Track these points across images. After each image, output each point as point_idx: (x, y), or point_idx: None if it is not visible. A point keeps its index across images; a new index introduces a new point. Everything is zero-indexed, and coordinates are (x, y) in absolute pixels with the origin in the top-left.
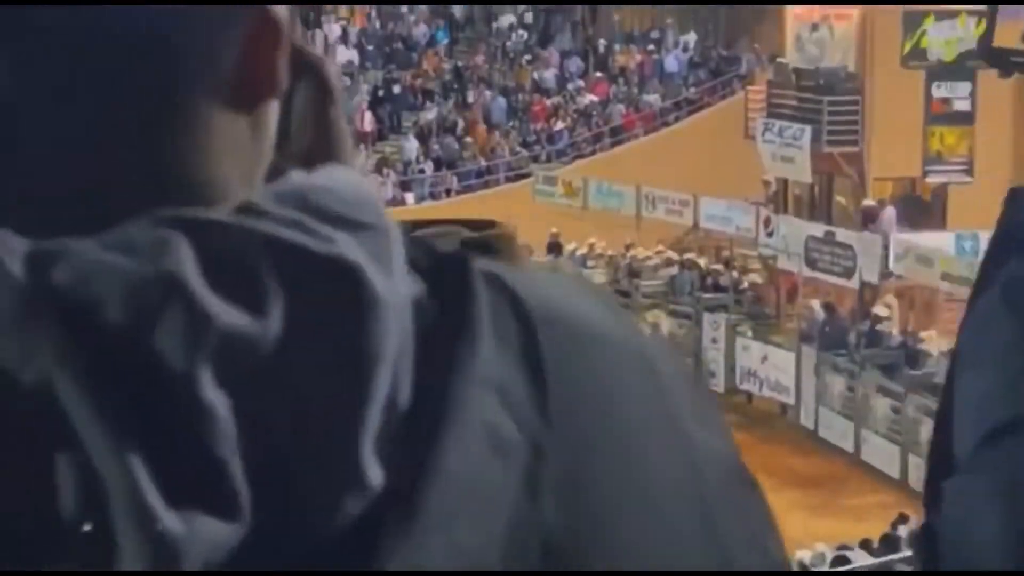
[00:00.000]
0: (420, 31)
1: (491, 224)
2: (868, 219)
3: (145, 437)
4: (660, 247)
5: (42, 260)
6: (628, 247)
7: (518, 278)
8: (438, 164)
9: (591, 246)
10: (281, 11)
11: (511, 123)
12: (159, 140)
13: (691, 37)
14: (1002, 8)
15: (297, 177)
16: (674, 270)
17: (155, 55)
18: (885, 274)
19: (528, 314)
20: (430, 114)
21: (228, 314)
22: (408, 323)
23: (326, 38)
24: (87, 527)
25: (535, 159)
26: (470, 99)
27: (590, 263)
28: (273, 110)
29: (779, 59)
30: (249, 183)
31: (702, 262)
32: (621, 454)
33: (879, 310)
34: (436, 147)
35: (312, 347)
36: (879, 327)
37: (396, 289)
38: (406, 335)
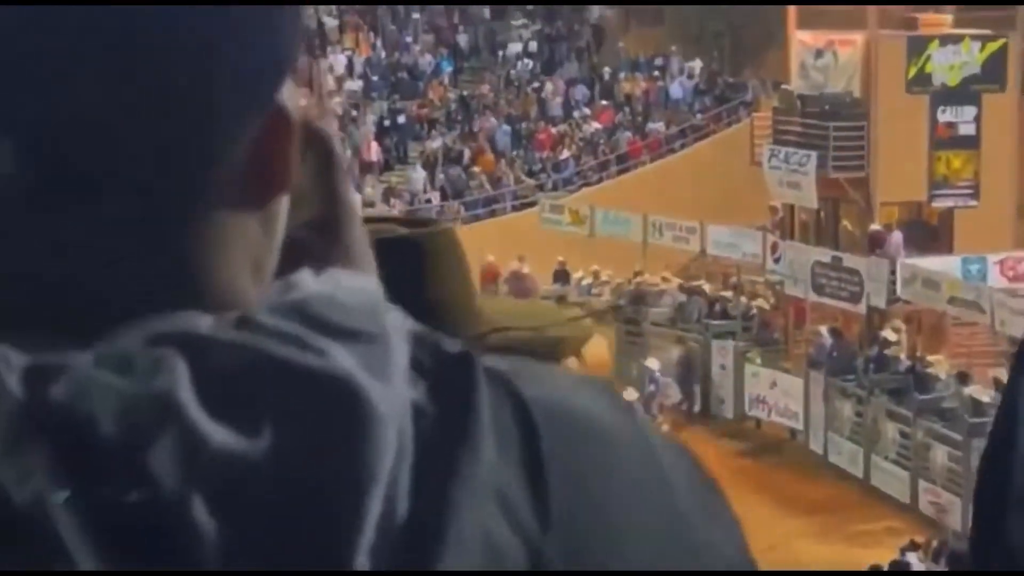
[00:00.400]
0: (425, 60)
1: (429, 222)
2: (875, 244)
3: (138, 559)
4: (666, 274)
5: (39, 376)
6: (637, 274)
7: (524, 376)
8: (444, 193)
9: (595, 274)
10: (289, 97)
11: (517, 152)
12: (172, 241)
13: (696, 64)
14: None
15: (301, 282)
16: (682, 297)
17: (168, 162)
18: (892, 299)
19: (531, 416)
20: (436, 143)
21: (221, 434)
22: (408, 428)
23: (332, 68)
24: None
25: (541, 188)
26: (476, 128)
27: (595, 291)
28: (284, 203)
29: (784, 86)
30: (260, 277)
31: (708, 288)
32: (621, 558)
33: (887, 334)
34: (442, 176)
35: (304, 467)
36: (887, 352)
37: (394, 396)
38: (405, 441)
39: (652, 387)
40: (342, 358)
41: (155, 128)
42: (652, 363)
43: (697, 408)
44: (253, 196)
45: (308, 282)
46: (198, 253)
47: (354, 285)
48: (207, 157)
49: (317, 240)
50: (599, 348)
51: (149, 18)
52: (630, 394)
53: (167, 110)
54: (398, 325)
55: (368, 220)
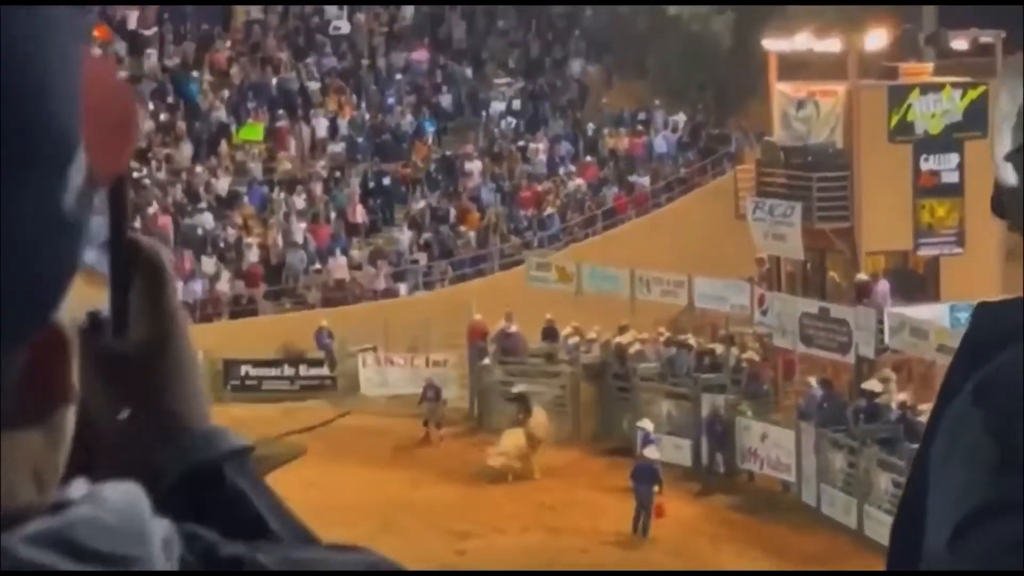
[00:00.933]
0: (408, 121)
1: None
2: (862, 294)
3: None
4: (661, 329)
5: None
6: (622, 329)
7: (301, 571)
8: (430, 253)
9: (576, 330)
10: (63, 322)
11: (502, 210)
12: None
13: (680, 118)
14: None
15: (69, 505)
16: (671, 351)
17: None
18: (881, 348)
19: None
20: (420, 204)
21: None
22: None
23: (313, 132)
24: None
25: (528, 245)
26: (460, 188)
27: (583, 348)
28: (70, 413)
29: (767, 137)
30: (44, 485)
31: (692, 341)
32: None
33: (873, 385)
34: (429, 236)
35: None
36: (877, 401)
37: None
38: None
39: (651, 446)
40: None
41: None
42: (646, 424)
43: (722, 470)
44: (32, 412)
45: (75, 506)
46: None
47: (119, 503)
48: None
49: (148, 356)
50: (540, 417)
51: None
52: (646, 424)
53: None
54: (164, 536)
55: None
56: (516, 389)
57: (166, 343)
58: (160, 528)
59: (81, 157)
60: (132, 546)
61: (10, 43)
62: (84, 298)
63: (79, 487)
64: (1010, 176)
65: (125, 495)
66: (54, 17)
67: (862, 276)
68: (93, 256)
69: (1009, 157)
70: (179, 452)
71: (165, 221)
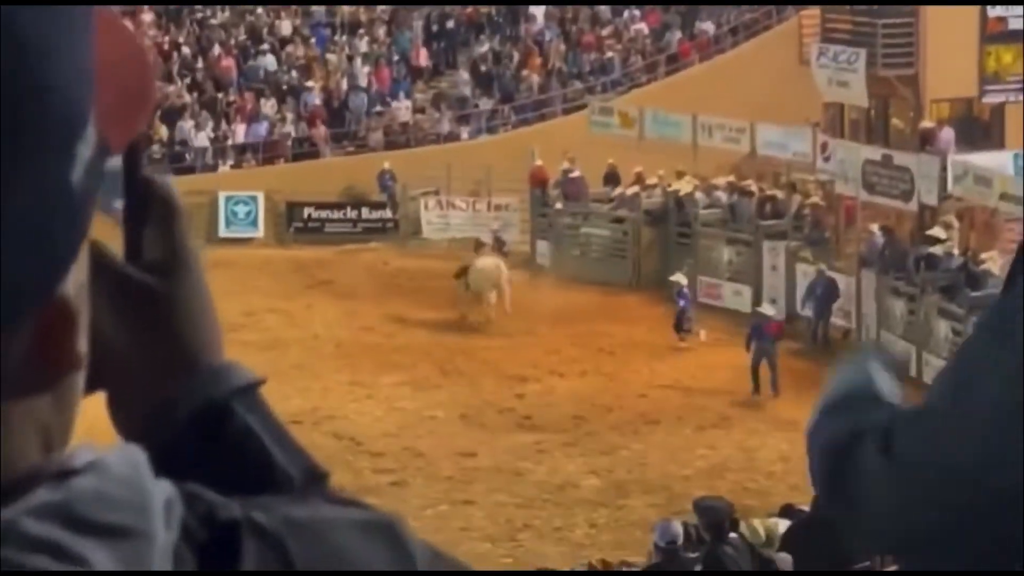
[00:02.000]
0: None
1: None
2: (925, 141)
3: None
4: (720, 177)
5: None
6: (679, 175)
7: (298, 533)
8: (493, 97)
9: (637, 177)
10: (70, 291)
11: (566, 53)
12: None
13: None
14: None
15: (71, 476)
16: (733, 197)
17: None
18: (944, 196)
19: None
20: (484, 47)
21: None
22: None
23: None
24: None
25: (590, 90)
26: (523, 32)
27: (644, 194)
28: (78, 378)
29: None
30: (52, 448)
31: (754, 188)
32: None
33: (937, 232)
34: (491, 81)
35: None
36: (938, 249)
37: None
38: None
39: (682, 303)
40: (101, 561)
41: None
42: (680, 278)
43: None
44: (39, 380)
45: (79, 476)
46: None
47: (122, 471)
48: None
49: (161, 282)
50: (491, 261)
51: None
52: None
53: None
54: (167, 499)
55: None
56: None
57: (179, 274)
58: (161, 492)
59: (91, 131)
60: (135, 517)
61: (11, 12)
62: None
63: (84, 453)
64: None
65: (127, 463)
66: None
67: (926, 123)
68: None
69: None
70: (189, 387)
71: (228, 63)
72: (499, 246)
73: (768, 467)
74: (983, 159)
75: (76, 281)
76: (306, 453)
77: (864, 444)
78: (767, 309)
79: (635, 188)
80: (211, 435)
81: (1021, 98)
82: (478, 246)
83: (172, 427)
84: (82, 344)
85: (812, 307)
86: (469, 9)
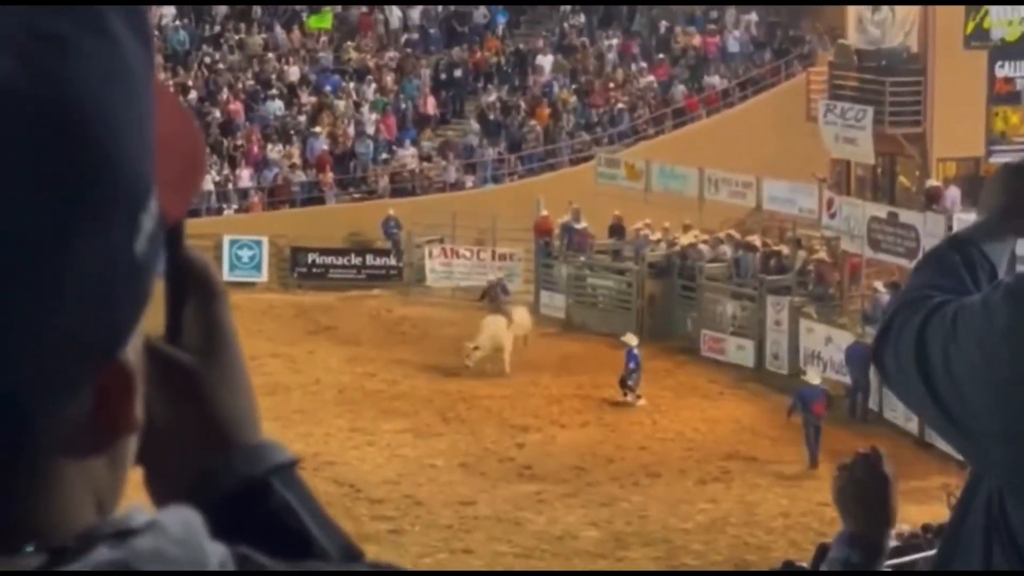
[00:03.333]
0: (480, 13)
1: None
2: (931, 200)
3: None
4: (725, 231)
5: None
6: (686, 228)
7: None
8: (499, 146)
9: (647, 225)
10: (130, 356)
11: (573, 104)
12: (9, 488)
13: (752, 17)
14: None
15: (130, 535)
16: (737, 252)
17: (3, 422)
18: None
19: None
20: (491, 97)
21: None
22: None
23: (386, 22)
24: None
25: (597, 142)
26: (531, 81)
27: (649, 247)
28: (132, 442)
29: (841, 40)
30: (105, 510)
31: (758, 242)
32: None
33: None
34: (498, 130)
35: None
36: None
37: None
38: None
39: (631, 364)
40: None
41: None
42: (630, 339)
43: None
44: (97, 442)
45: (139, 536)
46: (34, 493)
47: (179, 532)
48: (45, 406)
49: (201, 363)
50: (523, 315)
51: None
52: (630, 339)
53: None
54: (220, 561)
55: None
56: (489, 278)
57: (218, 355)
58: (215, 553)
59: (153, 202)
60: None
61: (87, 90)
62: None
63: (139, 514)
64: None
65: (185, 524)
66: (130, 59)
67: (932, 182)
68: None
69: None
70: (229, 463)
71: (236, 107)
72: (495, 296)
73: (769, 522)
74: None
75: (135, 347)
76: (342, 531)
77: (941, 313)
78: (812, 377)
79: (646, 232)
80: (250, 510)
81: None
82: (490, 297)
83: (211, 501)
84: (139, 409)
85: (851, 374)
86: (477, 56)
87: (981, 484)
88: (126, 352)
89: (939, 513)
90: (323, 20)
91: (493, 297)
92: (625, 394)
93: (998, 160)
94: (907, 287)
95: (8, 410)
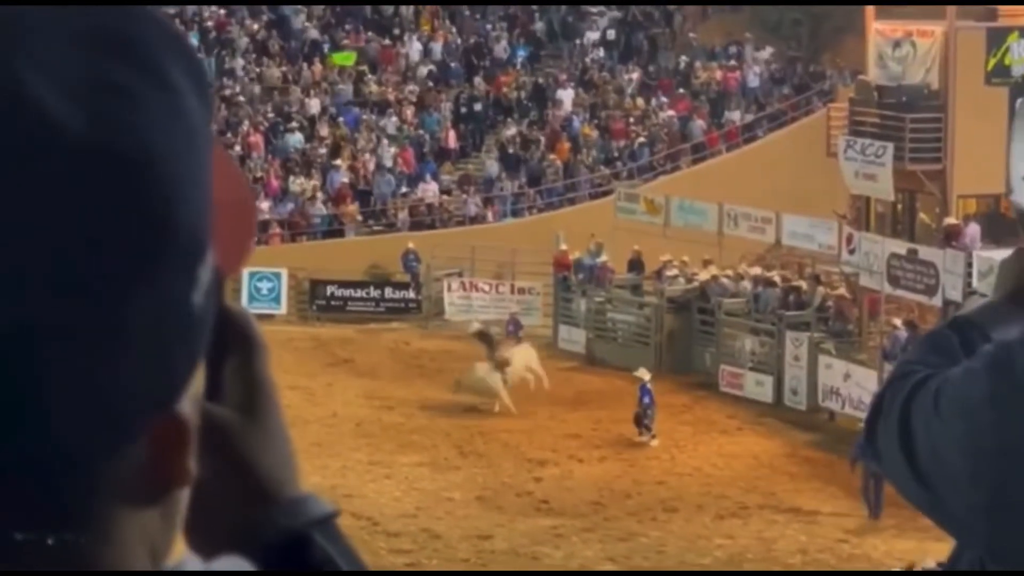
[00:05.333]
0: (500, 47)
1: None
2: (951, 236)
3: None
4: (744, 267)
5: None
6: (706, 263)
7: None
8: (519, 180)
9: (666, 263)
10: (185, 408)
11: (593, 139)
12: (66, 529)
13: (768, 52)
14: None
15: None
16: (757, 287)
17: (61, 473)
18: (968, 292)
19: None
20: (511, 131)
21: None
22: None
23: (407, 56)
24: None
25: (616, 176)
26: (550, 116)
27: (667, 282)
28: (184, 494)
29: (861, 76)
30: (157, 560)
31: (777, 278)
32: None
33: None
34: (518, 164)
35: None
36: None
37: None
38: None
39: (645, 399)
40: None
41: (47, 426)
42: (643, 373)
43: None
44: (152, 493)
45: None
46: (91, 542)
47: None
48: (102, 457)
49: (241, 420)
50: (526, 356)
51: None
52: (643, 373)
53: (61, 414)
54: None
55: None
56: (474, 327)
57: (257, 411)
58: None
59: (210, 256)
60: None
61: (151, 142)
62: None
63: (192, 562)
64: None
65: (238, 572)
66: (190, 112)
67: (952, 219)
68: None
69: None
70: (269, 517)
71: (256, 140)
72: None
73: (787, 558)
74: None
75: (190, 399)
76: None
77: (926, 387)
78: None
79: (674, 270)
80: (292, 563)
81: None
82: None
83: (252, 554)
84: (192, 461)
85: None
86: (502, 90)
87: (963, 556)
88: (182, 405)
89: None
90: (347, 58)
91: (487, 340)
92: (641, 433)
93: (1019, 199)
94: (899, 363)
95: (67, 460)
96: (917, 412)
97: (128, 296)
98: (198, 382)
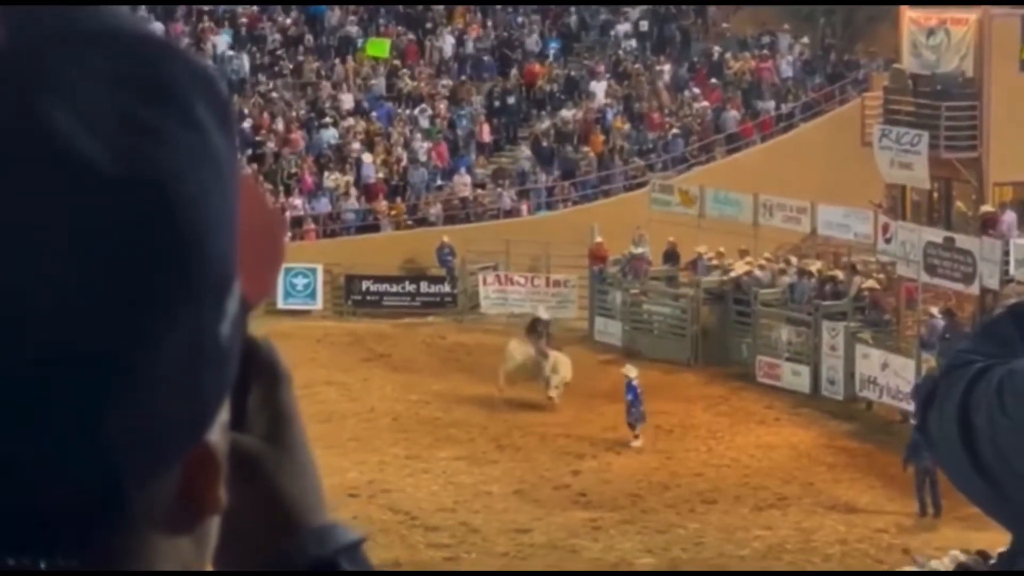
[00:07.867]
0: (533, 40)
1: None
2: (988, 224)
3: None
4: (773, 256)
5: None
6: (742, 253)
7: None
8: (553, 173)
9: (700, 255)
10: (215, 437)
11: (627, 131)
12: (99, 556)
13: (803, 42)
14: None
15: None
16: (792, 278)
17: (97, 502)
18: (1006, 279)
19: None
20: (545, 123)
21: None
22: None
23: (440, 50)
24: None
25: (651, 168)
26: (584, 108)
27: (700, 272)
28: (215, 522)
29: (895, 65)
30: None
31: (814, 268)
32: None
33: None
34: (552, 156)
35: None
36: None
37: None
38: None
39: (629, 396)
40: None
41: (86, 454)
42: (630, 371)
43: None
44: (184, 522)
45: None
46: (126, 570)
47: None
48: (135, 487)
49: (267, 450)
50: (564, 364)
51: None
52: (630, 370)
53: (98, 443)
54: None
55: None
56: (539, 312)
57: (283, 441)
58: None
59: (237, 286)
60: None
61: (179, 178)
62: None
63: None
64: None
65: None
66: (216, 147)
67: (988, 207)
68: None
69: None
70: (297, 545)
71: (292, 135)
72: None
73: (825, 549)
74: None
75: (219, 429)
76: None
77: (986, 378)
78: None
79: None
80: None
81: None
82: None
83: None
84: (223, 489)
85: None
86: (535, 83)
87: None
88: (213, 433)
89: (997, 540)
90: (380, 48)
91: (539, 333)
92: (636, 435)
93: None
94: (955, 352)
95: (101, 491)
96: (978, 404)
97: (160, 328)
98: (225, 412)
